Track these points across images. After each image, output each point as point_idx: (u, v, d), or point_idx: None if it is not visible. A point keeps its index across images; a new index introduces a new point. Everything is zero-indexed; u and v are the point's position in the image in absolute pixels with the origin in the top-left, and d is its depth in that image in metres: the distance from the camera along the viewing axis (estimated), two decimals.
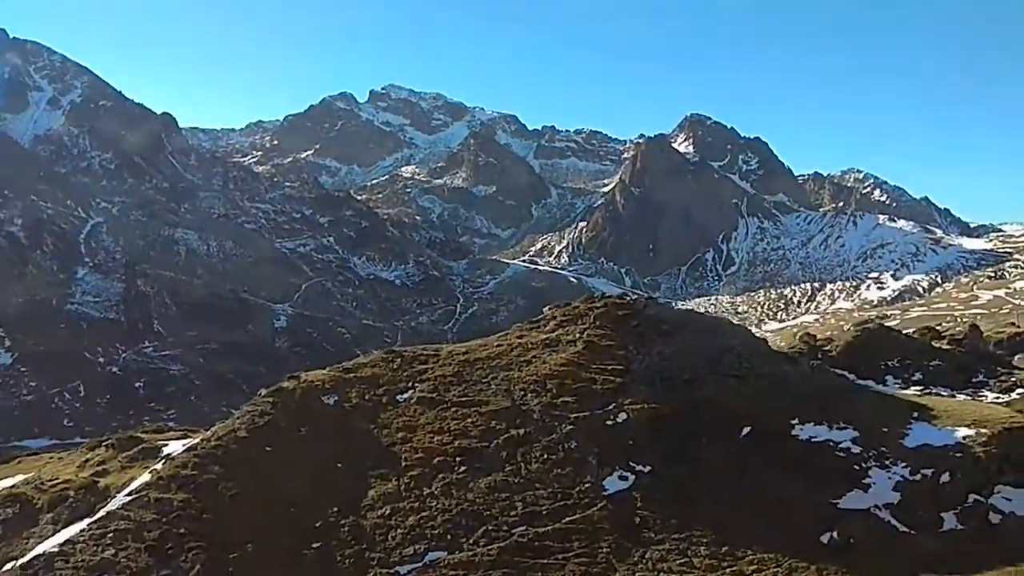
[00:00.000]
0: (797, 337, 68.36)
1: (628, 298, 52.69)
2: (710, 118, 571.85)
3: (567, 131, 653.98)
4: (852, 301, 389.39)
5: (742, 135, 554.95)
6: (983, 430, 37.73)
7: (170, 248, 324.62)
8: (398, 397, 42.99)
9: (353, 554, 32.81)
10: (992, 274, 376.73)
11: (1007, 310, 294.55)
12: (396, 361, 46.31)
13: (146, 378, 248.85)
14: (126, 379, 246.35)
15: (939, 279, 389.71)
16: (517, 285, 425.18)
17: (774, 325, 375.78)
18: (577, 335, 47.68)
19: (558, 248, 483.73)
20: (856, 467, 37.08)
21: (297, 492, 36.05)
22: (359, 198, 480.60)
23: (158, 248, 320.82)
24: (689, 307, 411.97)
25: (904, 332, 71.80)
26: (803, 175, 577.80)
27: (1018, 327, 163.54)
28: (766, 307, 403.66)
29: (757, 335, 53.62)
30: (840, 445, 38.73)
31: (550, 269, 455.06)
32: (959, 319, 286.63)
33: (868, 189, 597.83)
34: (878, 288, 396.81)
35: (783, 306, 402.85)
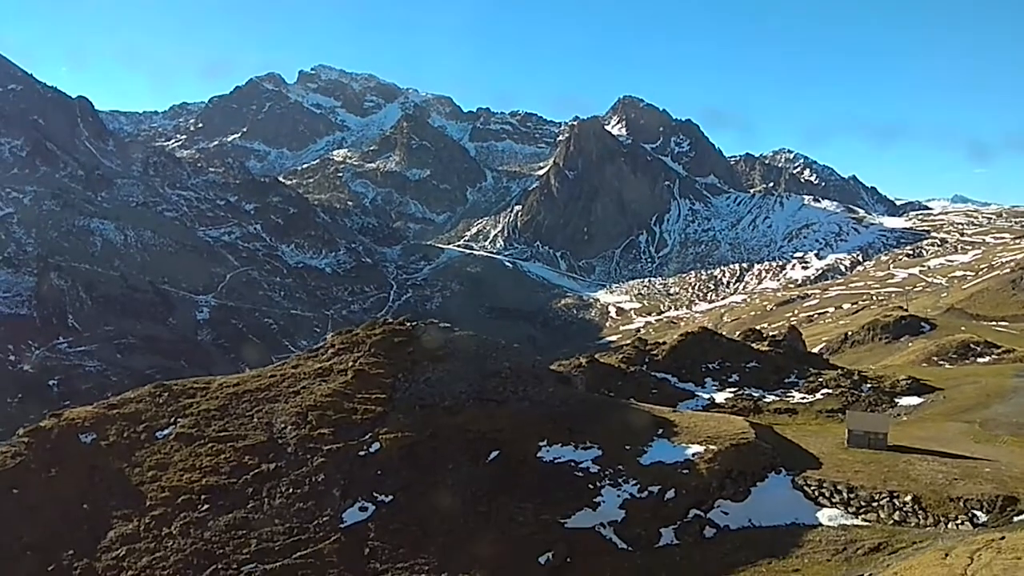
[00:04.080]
0: (630, 342, 69.25)
1: (407, 324, 52.42)
2: (643, 100, 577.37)
3: (502, 113, 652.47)
4: (778, 281, 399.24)
5: (674, 117, 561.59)
6: (712, 447, 39.48)
7: (85, 239, 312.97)
8: (157, 434, 41.98)
9: None
10: (910, 252, 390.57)
11: (920, 288, 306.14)
12: (163, 395, 45.16)
13: (60, 376, 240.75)
14: (38, 377, 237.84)
15: (860, 258, 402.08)
16: (452, 271, 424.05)
17: (704, 306, 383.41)
18: (350, 364, 47.39)
19: (493, 232, 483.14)
20: (591, 486, 38.23)
21: (37, 535, 35.09)
22: (288, 183, 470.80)
23: (72, 239, 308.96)
24: (624, 288, 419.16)
25: (726, 335, 73.60)
26: (734, 156, 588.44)
27: (905, 310, 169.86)
28: (697, 288, 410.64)
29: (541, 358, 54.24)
30: (581, 465, 39.82)
31: (485, 254, 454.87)
32: (874, 297, 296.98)
33: (798, 169, 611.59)
34: (802, 267, 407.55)
35: (713, 287, 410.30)
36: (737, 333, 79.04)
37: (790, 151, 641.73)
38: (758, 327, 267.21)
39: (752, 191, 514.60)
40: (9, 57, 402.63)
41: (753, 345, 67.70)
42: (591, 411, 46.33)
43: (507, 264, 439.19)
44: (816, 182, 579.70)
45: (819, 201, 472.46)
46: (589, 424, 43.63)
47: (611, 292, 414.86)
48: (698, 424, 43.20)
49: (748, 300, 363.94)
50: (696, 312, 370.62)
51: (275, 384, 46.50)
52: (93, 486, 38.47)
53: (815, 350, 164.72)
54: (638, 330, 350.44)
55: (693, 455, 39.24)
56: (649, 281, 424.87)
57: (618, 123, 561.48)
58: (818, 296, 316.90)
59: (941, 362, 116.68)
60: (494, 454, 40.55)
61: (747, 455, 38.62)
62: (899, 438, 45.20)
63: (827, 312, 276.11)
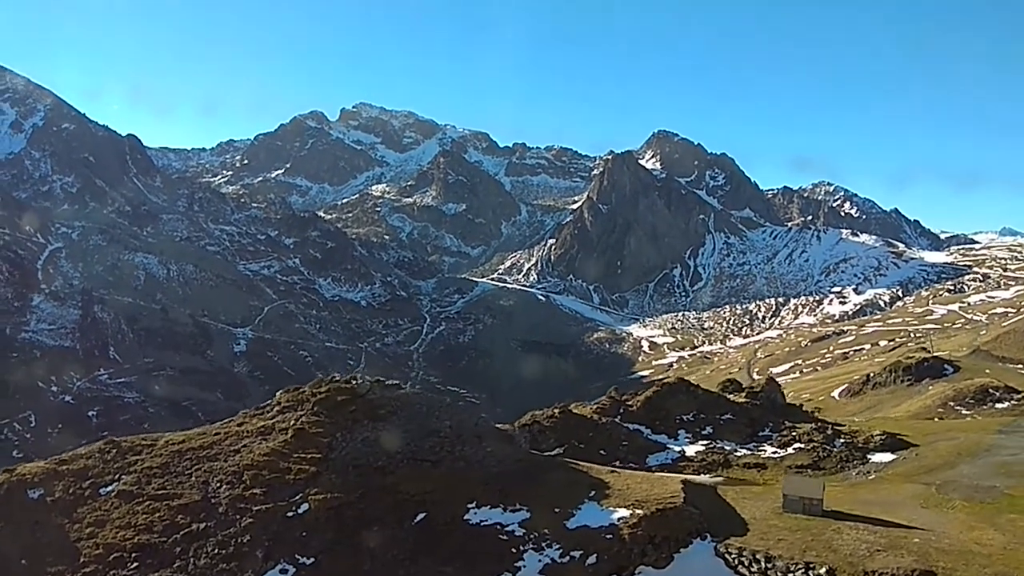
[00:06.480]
0: (608, 395, 69.90)
1: (354, 382, 53.25)
2: (677, 134, 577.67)
3: (538, 148, 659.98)
4: (814, 316, 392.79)
5: (709, 151, 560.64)
6: (638, 511, 39.44)
7: (129, 273, 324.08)
8: (101, 490, 43.13)
9: None
10: (951, 287, 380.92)
11: (959, 325, 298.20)
12: (112, 452, 46.53)
13: (100, 406, 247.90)
14: (79, 408, 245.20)
15: (900, 293, 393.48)
16: (485, 304, 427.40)
17: (738, 341, 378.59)
18: (292, 422, 48.30)
19: (527, 266, 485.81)
20: (513, 550, 38.14)
21: None
22: (327, 218, 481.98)
23: (117, 273, 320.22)
24: (658, 323, 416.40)
25: (702, 387, 73.44)
26: (772, 189, 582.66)
27: (929, 351, 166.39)
28: (731, 322, 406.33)
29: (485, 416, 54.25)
30: (507, 528, 39.85)
31: (519, 287, 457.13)
32: (912, 334, 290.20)
33: (838, 202, 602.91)
34: (840, 302, 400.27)
35: (748, 321, 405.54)
36: (739, 371, 78.81)
37: (829, 184, 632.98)
38: (792, 363, 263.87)
39: (789, 224, 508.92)
40: (64, 97, 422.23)
41: (730, 397, 67.97)
42: (526, 472, 46.71)
43: (540, 297, 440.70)
44: (857, 215, 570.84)
45: (857, 235, 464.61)
46: (522, 486, 43.98)
47: (644, 326, 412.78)
48: (631, 486, 43.30)
49: (783, 335, 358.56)
50: (730, 347, 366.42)
51: (218, 442, 47.73)
52: (35, 542, 39.53)
53: (837, 391, 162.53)
54: (671, 364, 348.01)
55: (618, 519, 39.31)
56: (683, 315, 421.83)
57: (652, 157, 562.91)
58: (855, 332, 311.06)
59: (958, 407, 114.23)
60: (420, 516, 40.93)
61: (672, 520, 38.69)
62: (844, 502, 45.24)
63: (863, 348, 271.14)
